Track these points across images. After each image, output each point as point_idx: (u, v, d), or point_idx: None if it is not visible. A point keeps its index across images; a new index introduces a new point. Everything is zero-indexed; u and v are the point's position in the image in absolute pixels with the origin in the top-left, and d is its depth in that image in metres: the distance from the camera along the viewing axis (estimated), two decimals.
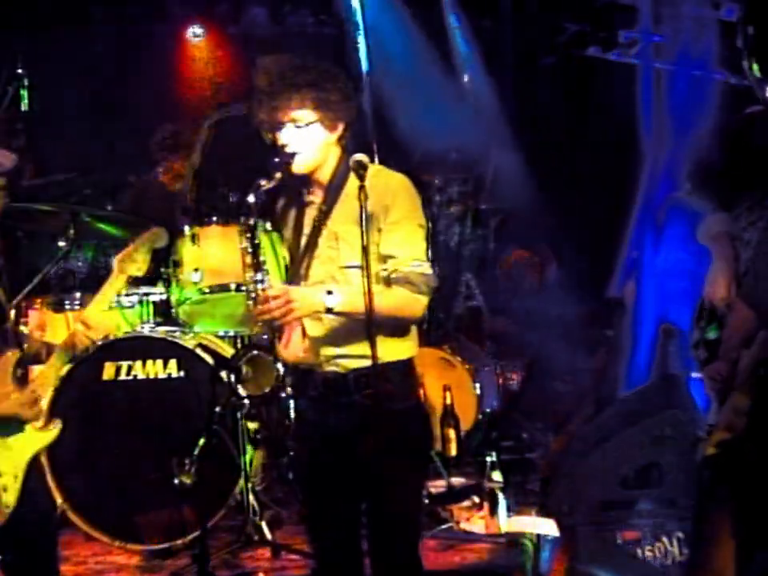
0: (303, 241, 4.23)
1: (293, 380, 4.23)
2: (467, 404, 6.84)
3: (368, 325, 3.93)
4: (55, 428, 4.54)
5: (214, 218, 6.07)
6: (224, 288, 5.98)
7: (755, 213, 4.90)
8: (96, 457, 5.97)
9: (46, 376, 4.49)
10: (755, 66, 4.74)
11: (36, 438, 4.48)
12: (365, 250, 3.94)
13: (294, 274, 4.23)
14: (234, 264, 5.91)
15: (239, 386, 4.19)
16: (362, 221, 3.97)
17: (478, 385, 6.92)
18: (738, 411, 4.27)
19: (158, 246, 4.73)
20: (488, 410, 7.02)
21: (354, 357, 4.12)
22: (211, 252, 6.01)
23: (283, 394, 4.15)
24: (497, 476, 5.78)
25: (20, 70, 5.71)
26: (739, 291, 4.62)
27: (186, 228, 6.08)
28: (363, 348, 4.04)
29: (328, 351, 4.18)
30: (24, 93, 5.72)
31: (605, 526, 5.20)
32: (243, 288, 5.85)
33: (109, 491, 5.98)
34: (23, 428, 4.44)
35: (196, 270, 5.98)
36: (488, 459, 5.81)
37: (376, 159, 6.04)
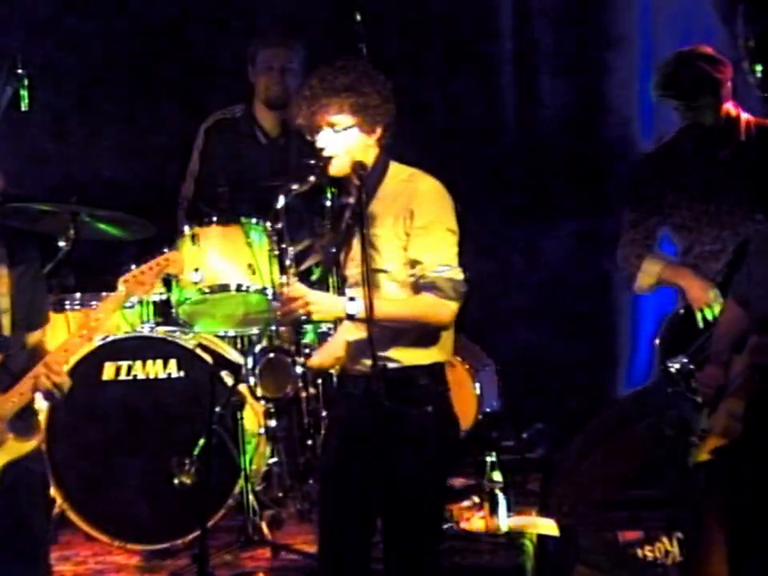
0: (341, 243, 4.26)
1: (331, 381, 4.26)
2: (467, 404, 6.83)
3: (368, 325, 3.94)
4: (34, 440, 4.42)
5: (214, 218, 6.07)
6: (224, 288, 5.98)
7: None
8: (96, 457, 5.96)
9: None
10: (757, 67, 4.79)
11: (13, 447, 4.36)
12: (364, 250, 3.95)
13: (339, 275, 4.27)
14: (235, 264, 5.98)
15: (258, 388, 4.21)
16: (361, 221, 3.99)
17: (477, 385, 6.91)
18: (734, 416, 4.27)
19: (171, 272, 4.58)
20: (488, 410, 7.01)
21: (381, 359, 4.08)
22: (211, 252, 6.01)
23: (303, 394, 4.18)
24: (497, 476, 5.78)
25: (20, 70, 5.71)
26: (730, 290, 4.65)
27: (186, 228, 6.08)
28: (391, 352, 4.08)
29: (356, 353, 4.20)
30: (24, 93, 5.72)
31: (605, 526, 5.20)
32: (243, 289, 5.94)
33: (109, 491, 5.98)
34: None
35: (196, 270, 5.98)
36: (488, 459, 5.81)
37: None
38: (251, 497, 5.87)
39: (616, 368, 7.42)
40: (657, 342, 5.49)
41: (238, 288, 5.94)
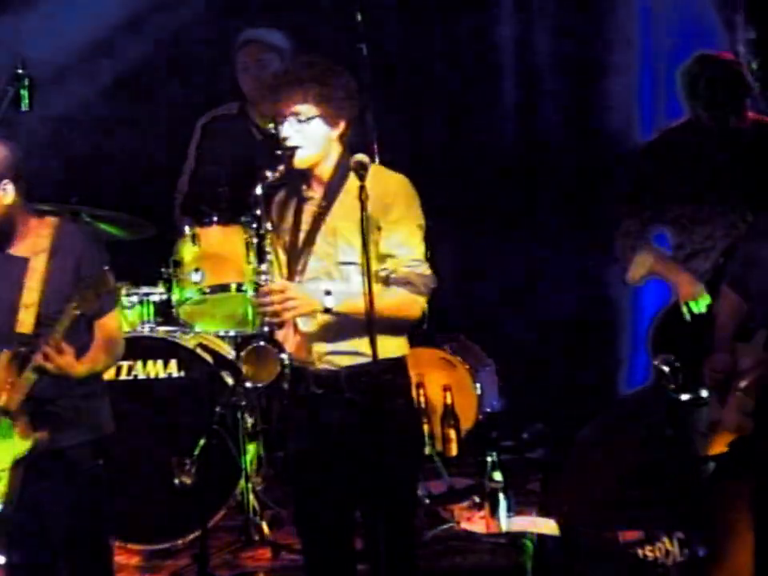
0: (301, 236, 4.25)
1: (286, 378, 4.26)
2: (467, 404, 6.84)
3: (369, 325, 3.94)
4: (30, 439, 4.29)
5: (215, 218, 6.07)
6: (224, 288, 5.98)
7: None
8: None
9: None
10: (755, 64, 4.80)
11: (17, 444, 4.28)
12: (365, 249, 3.95)
13: (291, 269, 4.25)
14: (235, 264, 5.98)
15: (244, 379, 4.19)
16: (362, 221, 3.99)
17: (478, 385, 6.91)
18: (745, 412, 4.28)
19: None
20: (488, 410, 7.02)
21: (346, 353, 4.16)
22: (211, 252, 6.01)
23: (285, 386, 4.16)
24: (497, 476, 5.78)
25: (20, 70, 5.72)
26: (725, 278, 4.66)
27: (186, 228, 6.08)
28: (355, 344, 4.10)
29: (321, 348, 4.20)
30: (24, 93, 5.72)
31: (605, 526, 5.20)
32: (244, 289, 5.94)
33: (109, 491, 5.97)
34: (11, 432, 4.27)
35: (196, 269, 5.98)
36: (488, 459, 5.81)
37: (377, 159, 6.04)
38: (251, 497, 5.88)
39: (616, 368, 7.42)
40: (648, 344, 5.52)
41: (238, 288, 5.94)
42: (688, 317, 5.32)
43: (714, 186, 5.41)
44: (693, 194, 5.43)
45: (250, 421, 5.97)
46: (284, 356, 4.11)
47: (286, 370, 4.18)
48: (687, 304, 5.34)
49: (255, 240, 4.19)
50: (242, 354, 4.14)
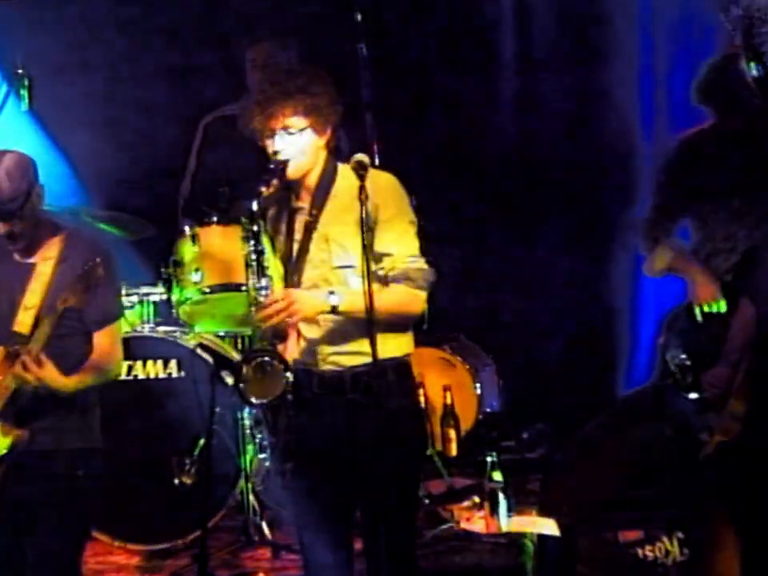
0: (295, 246, 4.26)
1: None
2: (467, 404, 6.85)
3: (369, 324, 3.94)
4: (10, 437, 4.28)
5: (215, 218, 6.07)
6: (225, 288, 5.96)
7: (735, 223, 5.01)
8: None
9: None
10: (752, 64, 4.78)
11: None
12: (365, 248, 3.96)
13: (288, 280, 4.25)
14: (235, 264, 5.96)
15: (248, 394, 4.17)
16: (362, 220, 4.00)
17: (478, 385, 6.92)
18: (736, 417, 4.29)
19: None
20: (488, 410, 7.03)
21: (351, 354, 4.16)
22: (212, 252, 6.00)
23: (290, 398, 4.15)
24: (497, 476, 5.78)
25: (20, 70, 5.72)
26: (744, 291, 4.64)
27: (186, 228, 6.08)
28: (359, 345, 4.09)
29: (324, 350, 4.20)
30: (24, 93, 5.73)
31: (605, 526, 5.20)
32: (244, 289, 5.93)
33: (109, 491, 5.97)
34: None
35: (196, 269, 5.98)
36: (488, 459, 5.81)
37: (377, 160, 6.04)
38: (251, 497, 5.88)
39: (616, 368, 7.42)
40: (660, 338, 5.46)
41: (238, 288, 5.93)
42: (700, 318, 5.26)
43: (739, 186, 5.34)
44: (718, 191, 5.35)
45: (258, 435, 5.97)
46: (289, 374, 4.10)
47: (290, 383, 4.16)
48: (701, 306, 5.27)
49: (254, 256, 4.18)
50: (247, 369, 4.13)
